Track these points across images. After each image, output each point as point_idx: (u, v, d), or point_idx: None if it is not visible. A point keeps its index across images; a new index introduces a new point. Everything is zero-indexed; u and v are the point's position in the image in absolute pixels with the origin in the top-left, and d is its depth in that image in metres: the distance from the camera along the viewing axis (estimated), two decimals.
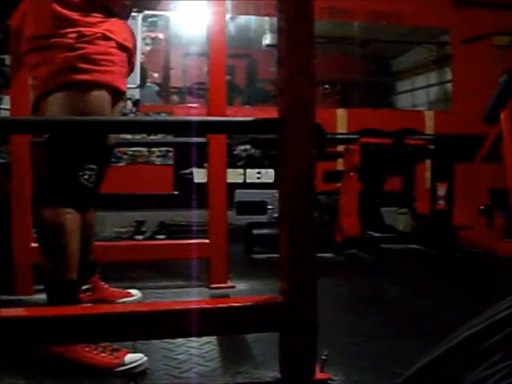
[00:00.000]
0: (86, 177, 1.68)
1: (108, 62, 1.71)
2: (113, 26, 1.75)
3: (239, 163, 4.65)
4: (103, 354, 1.58)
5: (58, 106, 1.66)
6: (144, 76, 5.16)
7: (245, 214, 4.05)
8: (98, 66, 1.68)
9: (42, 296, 2.37)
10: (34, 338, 1.35)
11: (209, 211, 2.64)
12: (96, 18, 1.71)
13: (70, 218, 1.70)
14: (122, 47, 1.78)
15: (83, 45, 1.66)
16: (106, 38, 1.71)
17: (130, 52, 1.83)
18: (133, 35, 1.89)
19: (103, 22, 1.73)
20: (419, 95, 7.25)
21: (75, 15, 1.67)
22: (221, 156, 2.62)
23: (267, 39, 6.03)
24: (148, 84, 5.42)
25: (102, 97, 1.70)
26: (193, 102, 5.66)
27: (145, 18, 5.13)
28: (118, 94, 1.80)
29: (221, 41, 2.57)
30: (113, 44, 1.73)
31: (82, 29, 1.67)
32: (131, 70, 1.91)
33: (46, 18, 1.67)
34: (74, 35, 1.66)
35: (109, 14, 1.76)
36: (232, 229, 3.54)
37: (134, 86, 4.69)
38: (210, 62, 2.60)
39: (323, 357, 1.46)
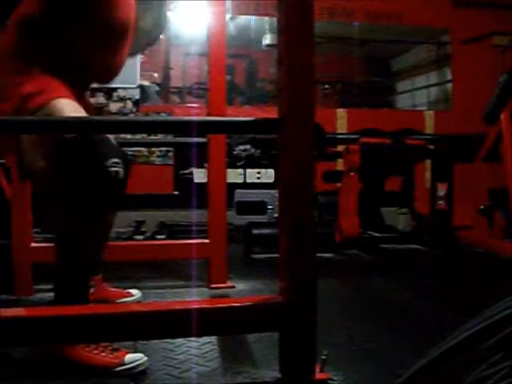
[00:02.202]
0: (113, 174, 1.58)
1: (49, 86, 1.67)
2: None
3: (239, 163, 4.65)
4: (103, 354, 1.58)
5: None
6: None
7: (245, 214, 4.04)
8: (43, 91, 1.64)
9: (42, 296, 2.37)
10: (34, 338, 1.35)
11: (209, 211, 2.64)
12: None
13: (92, 219, 1.63)
14: None
15: (36, 78, 1.64)
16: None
17: None
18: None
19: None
20: (419, 95, 7.26)
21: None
22: (221, 156, 2.62)
23: (267, 39, 6.04)
24: (148, 84, 5.42)
25: (63, 104, 1.64)
26: (193, 102, 5.67)
27: None
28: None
29: (221, 41, 2.57)
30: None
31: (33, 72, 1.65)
32: None
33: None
34: (26, 76, 1.64)
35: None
36: (232, 229, 3.54)
37: (134, 86, 4.69)
38: (210, 61, 2.60)
39: (323, 357, 1.46)
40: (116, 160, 1.58)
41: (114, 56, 1.83)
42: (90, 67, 1.81)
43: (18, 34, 1.70)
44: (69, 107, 1.62)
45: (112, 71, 1.88)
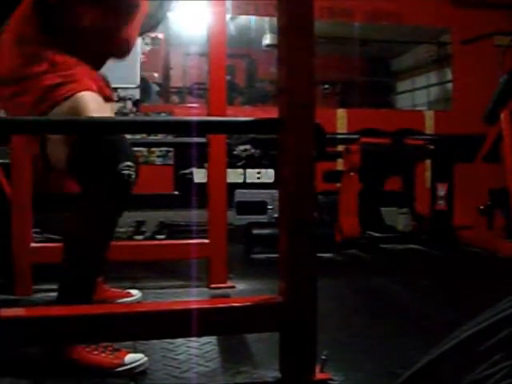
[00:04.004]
0: (125, 177, 1.61)
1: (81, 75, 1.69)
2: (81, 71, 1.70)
3: (239, 163, 4.65)
4: (103, 355, 1.58)
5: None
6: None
7: (245, 214, 4.04)
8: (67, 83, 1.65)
9: (42, 296, 2.37)
10: (34, 339, 1.35)
11: (209, 211, 2.64)
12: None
13: (101, 219, 1.64)
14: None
15: (57, 67, 1.64)
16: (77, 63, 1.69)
17: None
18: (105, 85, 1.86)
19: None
20: (419, 95, 7.26)
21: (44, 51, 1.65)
22: (221, 156, 2.62)
23: (267, 39, 6.04)
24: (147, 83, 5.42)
25: (88, 100, 1.64)
26: (193, 102, 5.67)
27: None
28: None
29: (221, 41, 2.57)
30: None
31: (52, 57, 1.65)
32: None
33: (15, 60, 1.66)
34: (46, 64, 1.64)
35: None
36: (232, 229, 3.54)
37: (134, 85, 4.69)
38: (209, 61, 2.60)
39: (323, 357, 1.46)
40: (129, 163, 1.60)
41: (130, 28, 1.85)
42: (109, 40, 1.81)
43: (31, 14, 1.69)
44: (93, 103, 1.64)
45: (129, 44, 1.89)
